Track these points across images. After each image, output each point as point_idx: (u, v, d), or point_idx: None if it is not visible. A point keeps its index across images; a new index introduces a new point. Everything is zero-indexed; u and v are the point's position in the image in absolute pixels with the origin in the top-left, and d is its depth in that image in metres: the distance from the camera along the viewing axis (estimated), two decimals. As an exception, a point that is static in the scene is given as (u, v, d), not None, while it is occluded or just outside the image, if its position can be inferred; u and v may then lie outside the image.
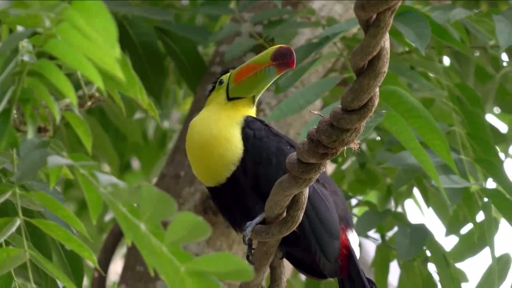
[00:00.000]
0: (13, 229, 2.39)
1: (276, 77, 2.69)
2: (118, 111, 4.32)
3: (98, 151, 4.32)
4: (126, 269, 4.00)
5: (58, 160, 2.05)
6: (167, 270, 1.91)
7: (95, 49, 1.94)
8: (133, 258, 3.99)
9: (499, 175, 3.48)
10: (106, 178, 2.01)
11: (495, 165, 3.49)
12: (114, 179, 2.00)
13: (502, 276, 3.80)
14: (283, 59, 2.64)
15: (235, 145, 2.63)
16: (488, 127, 3.66)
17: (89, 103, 3.36)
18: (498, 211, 3.47)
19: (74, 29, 1.95)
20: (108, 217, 4.79)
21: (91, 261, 2.32)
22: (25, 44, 2.12)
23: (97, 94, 3.33)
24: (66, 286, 2.33)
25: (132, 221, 1.93)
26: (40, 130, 3.31)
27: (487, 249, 3.62)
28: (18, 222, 2.39)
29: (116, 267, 4.61)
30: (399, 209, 4.09)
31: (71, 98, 2.09)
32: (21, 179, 2.09)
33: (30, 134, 2.20)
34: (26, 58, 2.13)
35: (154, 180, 4.48)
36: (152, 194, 1.88)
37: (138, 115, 4.72)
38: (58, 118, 2.17)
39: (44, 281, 2.66)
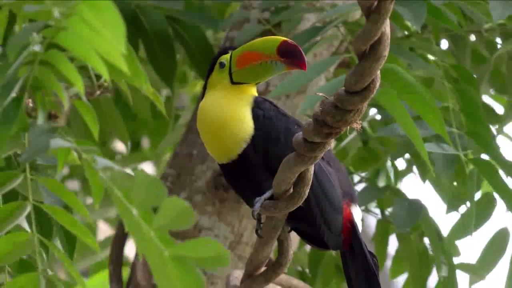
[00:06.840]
0: (25, 214, 2.43)
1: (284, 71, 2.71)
2: (131, 89, 4.38)
3: (112, 128, 4.39)
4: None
5: (60, 143, 2.13)
6: (153, 255, 1.93)
7: (103, 43, 2.00)
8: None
9: (490, 148, 3.55)
10: (104, 162, 2.07)
11: (486, 138, 3.56)
12: (111, 164, 2.06)
13: (500, 251, 3.89)
14: (292, 58, 2.66)
15: (247, 124, 2.70)
16: (481, 105, 3.71)
17: (98, 92, 3.48)
18: (488, 183, 3.52)
19: (83, 23, 2.01)
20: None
21: (93, 247, 2.35)
22: (35, 35, 2.18)
23: (105, 84, 3.44)
24: (71, 272, 2.37)
25: (125, 206, 1.97)
26: (50, 117, 3.42)
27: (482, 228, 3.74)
28: (28, 207, 2.43)
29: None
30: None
31: (79, 86, 2.15)
32: (27, 159, 2.18)
33: (40, 119, 2.28)
34: (36, 48, 2.18)
35: (167, 157, 4.55)
36: (144, 179, 1.92)
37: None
38: (66, 105, 2.26)
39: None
